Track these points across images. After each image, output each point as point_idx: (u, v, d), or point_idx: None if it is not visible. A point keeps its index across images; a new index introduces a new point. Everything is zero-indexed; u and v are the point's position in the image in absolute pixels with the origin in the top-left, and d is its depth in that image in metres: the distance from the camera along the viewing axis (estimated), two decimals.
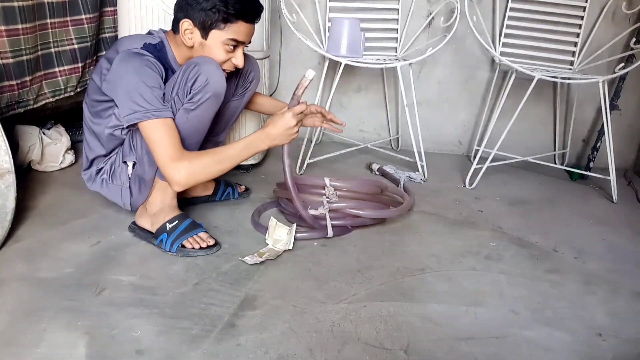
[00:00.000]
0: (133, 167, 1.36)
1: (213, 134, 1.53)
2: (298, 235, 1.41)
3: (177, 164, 1.17)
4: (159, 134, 1.18)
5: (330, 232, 1.43)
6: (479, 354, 1.02)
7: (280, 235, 1.39)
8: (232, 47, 1.27)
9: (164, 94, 1.23)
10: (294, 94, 1.30)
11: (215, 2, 1.21)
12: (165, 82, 1.26)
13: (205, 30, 1.24)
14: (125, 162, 1.36)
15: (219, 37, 1.25)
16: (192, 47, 1.27)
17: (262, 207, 1.60)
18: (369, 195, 1.56)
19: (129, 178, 1.37)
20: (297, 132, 1.29)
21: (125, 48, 1.24)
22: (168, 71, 1.29)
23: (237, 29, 1.25)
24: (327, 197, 1.47)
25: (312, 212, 1.43)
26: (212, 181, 1.66)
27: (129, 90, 1.18)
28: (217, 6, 1.21)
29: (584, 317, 1.19)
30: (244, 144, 1.25)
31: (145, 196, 1.39)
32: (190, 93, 1.22)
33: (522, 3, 2.17)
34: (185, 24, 1.24)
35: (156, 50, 1.28)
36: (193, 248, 1.32)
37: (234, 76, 1.48)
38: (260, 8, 1.29)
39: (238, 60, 1.30)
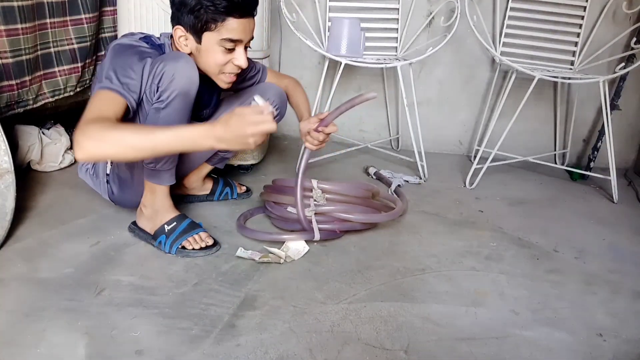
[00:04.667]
0: (110, 164, 1.38)
1: (223, 150, 1.53)
2: (285, 236, 1.37)
3: (88, 126, 0.98)
4: (96, 101, 1.06)
5: (317, 235, 1.39)
6: (479, 354, 1.02)
7: (295, 246, 1.38)
8: (229, 48, 1.20)
9: (137, 82, 1.15)
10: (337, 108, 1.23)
11: (202, 1, 1.14)
12: None
13: (197, 34, 1.18)
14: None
15: (213, 38, 1.18)
16: (190, 54, 1.23)
17: (249, 213, 1.56)
18: (359, 199, 1.51)
19: (107, 174, 1.39)
20: (255, 143, 0.99)
21: (122, 37, 1.23)
22: None
23: (229, 27, 1.16)
24: (315, 200, 1.43)
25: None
26: (210, 180, 1.66)
27: (106, 67, 1.13)
28: (204, 5, 1.14)
29: (585, 317, 1.19)
30: (182, 134, 0.99)
31: (129, 195, 1.39)
32: (157, 91, 1.16)
33: (522, 3, 2.17)
34: (178, 31, 1.20)
35: (156, 46, 1.25)
36: (193, 249, 1.31)
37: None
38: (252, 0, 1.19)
39: (239, 60, 1.22)
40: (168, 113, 1.19)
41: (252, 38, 1.24)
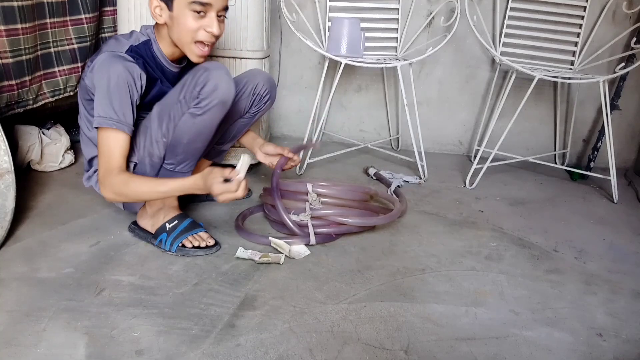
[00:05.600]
0: (134, 168, 1.35)
1: (219, 143, 1.54)
2: (280, 241, 1.38)
3: (111, 180, 1.20)
4: (108, 144, 1.20)
5: (312, 240, 1.40)
6: (479, 354, 1.02)
7: (297, 248, 1.39)
8: (200, 13, 1.19)
9: (137, 104, 1.23)
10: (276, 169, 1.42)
11: None
12: (150, 83, 1.26)
13: (169, 0, 1.19)
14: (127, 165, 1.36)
15: (182, 2, 1.18)
16: (165, 24, 1.24)
17: (248, 212, 1.58)
18: (355, 202, 1.51)
19: None
20: (228, 199, 1.15)
21: (110, 50, 1.22)
22: (155, 71, 1.29)
23: None
24: (310, 204, 1.43)
25: (294, 217, 1.41)
26: None
27: (102, 95, 1.18)
28: None
29: (585, 317, 1.19)
30: (179, 185, 1.21)
31: None
32: (197, 97, 1.21)
33: (522, 3, 2.17)
34: (154, 1, 1.21)
35: (142, 50, 1.26)
36: (193, 247, 1.31)
37: (250, 94, 1.47)
38: None
39: (212, 27, 1.21)
40: (203, 120, 1.23)
41: (226, 8, 1.24)
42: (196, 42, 1.23)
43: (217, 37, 1.25)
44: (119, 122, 1.18)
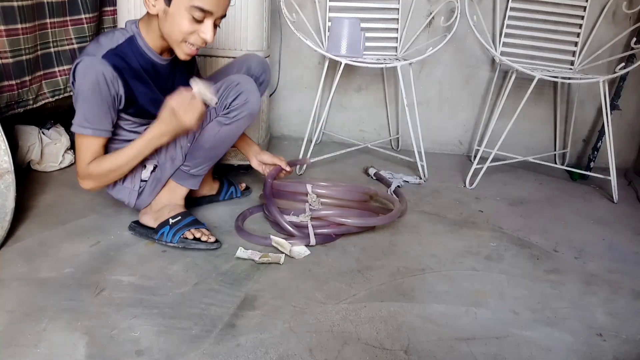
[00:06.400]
0: (153, 170, 1.37)
1: None
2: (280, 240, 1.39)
3: (86, 171, 1.24)
4: (83, 149, 1.23)
5: (312, 240, 1.40)
6: (479, 354, 1.02)
7: (297, 249, 1.39)
8: (198, 18, 1.16)
9: (118, 106, 1.23)
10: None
11: None
12: (138, 78, 1.24)
13: None
14: (144, 165, 1.36)
15: (182, 4, 1.14)
16: (157, 16, 1.19)
17: (248, 212, 1.58)
18: (355, 202, 1.51)
19: (143, 181, 1.37)
20: (192, 121, 1.19)
21: (87, 54, 1.18)
22: (143, 67, 1.26)
23: None
24: (310, 205, 1.44)
25: (293, 219, 1.42)
26: (217, 181, 1.67)
27: (78, 100, 1.19)
28: None
29: (584, 317, 1.19)
30: (145, 141, 1.22)
31: (154, 197, 1.40)
32: (228, 108, 1.27)
33: (522, 3, 2.17)
34: None
35: (125, 50, 1.22)
36: (194, 238, 1.32)
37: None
38: None
39: (206, 34, 1.18)
40: (229, 129, 1.30)
41: (224, 16, 1.21)
42: (186, 41, 1.21)
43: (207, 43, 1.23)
44: (93, 129, 1.21)
